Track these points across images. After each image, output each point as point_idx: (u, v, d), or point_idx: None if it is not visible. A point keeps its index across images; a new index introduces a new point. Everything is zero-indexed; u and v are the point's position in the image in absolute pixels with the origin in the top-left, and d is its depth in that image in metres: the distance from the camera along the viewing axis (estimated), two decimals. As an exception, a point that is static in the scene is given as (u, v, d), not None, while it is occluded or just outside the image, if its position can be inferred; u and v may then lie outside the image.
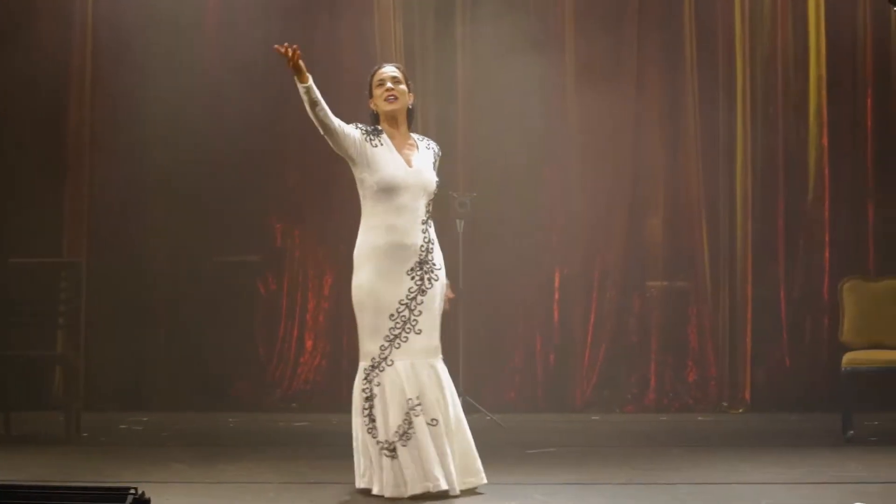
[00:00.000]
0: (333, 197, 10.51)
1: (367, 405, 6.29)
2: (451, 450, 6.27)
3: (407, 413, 6.22)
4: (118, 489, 4.81)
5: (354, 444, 6.41)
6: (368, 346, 6.35)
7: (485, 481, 6.45)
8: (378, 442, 6.26)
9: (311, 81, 6.29)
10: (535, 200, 10.50)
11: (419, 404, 6.24)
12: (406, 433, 6.22)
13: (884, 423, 9.00)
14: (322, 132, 6.42)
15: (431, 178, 6.47)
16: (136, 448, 8.35)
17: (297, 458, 7.84)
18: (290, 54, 6.24)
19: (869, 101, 10.45)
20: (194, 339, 10.47)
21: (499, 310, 10.40)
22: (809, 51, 10.46)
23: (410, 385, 6.24)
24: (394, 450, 6.23)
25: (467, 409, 9.01)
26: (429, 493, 6.19)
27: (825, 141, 10.43)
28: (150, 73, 10.46)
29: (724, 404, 10.32)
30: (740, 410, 10.25)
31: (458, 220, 9.47)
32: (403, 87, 6.55)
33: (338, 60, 10.48)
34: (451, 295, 6.63)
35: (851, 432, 8.42)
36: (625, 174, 10.50)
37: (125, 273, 10.44)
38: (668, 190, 10.52)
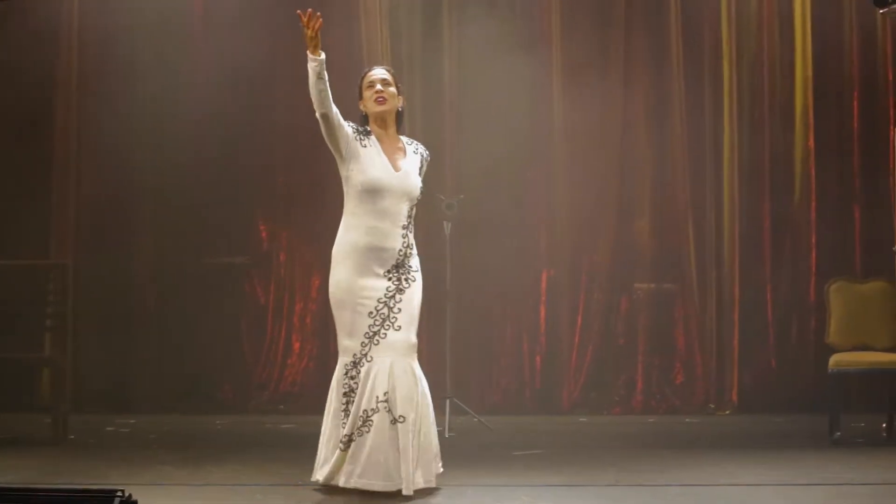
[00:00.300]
0: (320, 199, 10.49)
1: (345, 400, 6.39)
2: (416, 446, 6.31)
3: (367, 410, 6.28)
4: (105, 491, 4.80)
5: (321, 437, 6.49)
6: (348, 343, 6.43)
7: (439, 473, 6.50)
8: (343, 435, 6.35)
9: (323, 56, 6.30)
10: (522, 202, 10.51)
11: (385, 401, 6.28)
12: (363, 427, 6.30)
13: (870, 424, 9.01)
14: (318, 113, 6.42)
15: (416, 184, 6.52)
16: (124, 450, 8.33)
17: (285, 460, 7.83)
18: (310, 23, 6.28)
19: (855, 103, 10.48)
20: (181, 342, 10.45)
21: (486, 311, 10.40)
22: (796, 53, 10.49)
23: (384, 382, 6.29)
24: (349, 443, 6.32)
25: (454, 411, 9.09)
26: (379, 492, 6.27)
27: (811, 143, 10.46)
28: (137, 75, 10.45)
29: (712, 406, 10.34)
30: (727, 412, 10.27)
31: (445, 223, 9.46)
32: (393, 89, 6.60)
33: (327, 60, 10.46)
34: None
35: (838, 434, 8.43)
36: (612, 176, 10.51)
37: (112, 275, 10.41)
38: (655, 192, 10.53)
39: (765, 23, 10.49)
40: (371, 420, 6.28)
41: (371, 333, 6.37)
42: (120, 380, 10.38)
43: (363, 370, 6.35)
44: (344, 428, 6.35)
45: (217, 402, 10.39)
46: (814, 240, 10.43)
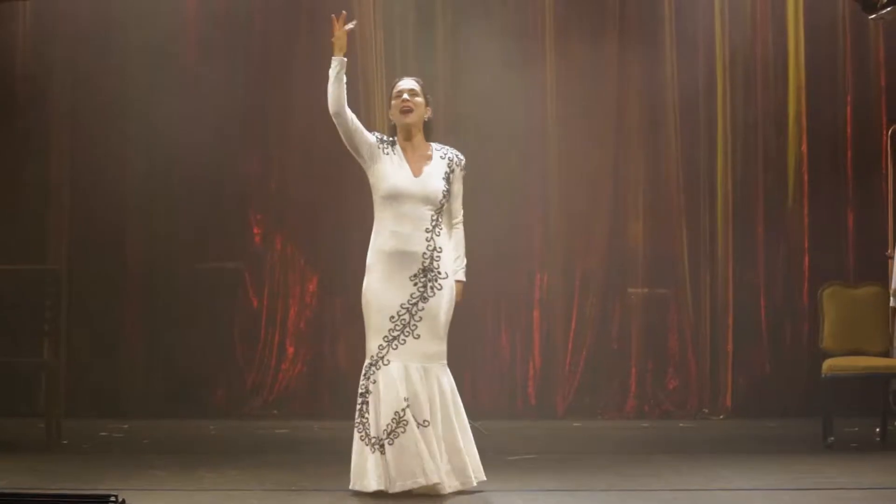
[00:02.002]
0: (314, 203, 10.51)
1: (360, 400, 6.54)
2: (442, 451, 6.48)
3: (397, 412, 6.42)
4: (99, 496, 4.81)
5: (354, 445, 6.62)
6: (369, 345, 6.59)
7: (474, 484, 6.62)
8: (370, 437, 6.46)
9: (346, 59, 6.68)
10: (516, 207, 10.51)
11: (408, 406, 6.43)
12: (394, 432, 6.43)
13: (864, 429, 9.02)
14: (332, 111, 6.71)
15: (437, 188, 6.67)
16: (117, 455, 8.32)
17: (279, 466, 7.83)
18: (340, 24, 6.68)
19: (848, 107, 10.50)
20: (175, 347, 10.44)
21: (480, 316, 10.40)
22: (789, 58, 10.50)
23: (403, 386, 6.45)
24: (382, 446, 6.43)
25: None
26: (412, 491, 6.41)
27: (805, 147, 10.48)
28: (130, 81, 10.45)
29: (705, 410, 10.34)
30: (721, 417, 10.28)
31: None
32: (420, 99, 6.78)
33: (318, 67, 10.48)
34: (459, 299, 6.81)
35: (832, 438, 8.44)
36: (605, 180, 10.52)
37: (106, 280, 10.41)
38: (649, 196, 10.54)
39: (758, 28, 10.50)
40: (405, 420, 6.42)
41: (390, 338, 6.53)
42: (113, 385, 10.37)
43: (379, 373, 6.49)
44: (367, 429, 6.48)
45: (210, 406, 10.38)
46: (807, 244, 10.45)
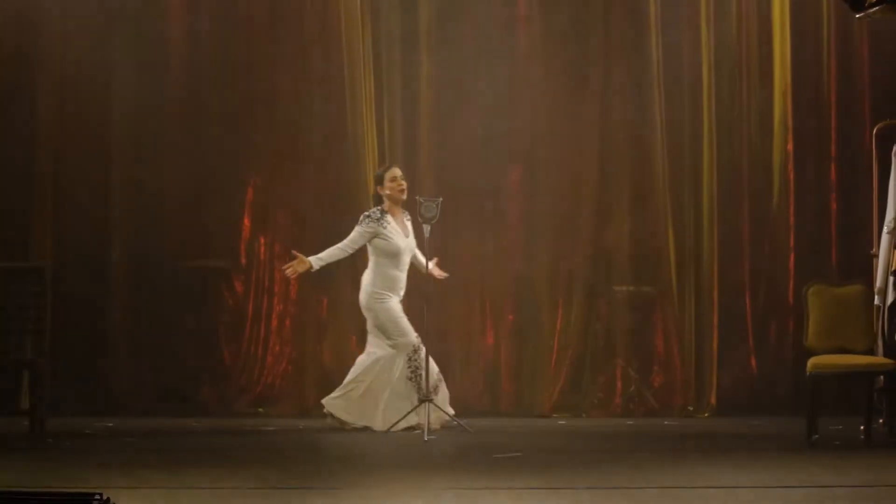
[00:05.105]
0: (300, 202, 10.51)
1: (412, 375, 9.21)
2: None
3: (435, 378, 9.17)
4: (83, 494, 4.79)
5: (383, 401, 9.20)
6: (403, 340, 9.26)
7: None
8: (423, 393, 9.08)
9: (314, 262, 9.19)
10: (501, 205, 10.52)
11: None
12: (437, 387, 9.22)
13: (848, 427, 9.03)
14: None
15: (413, 242, 9.36)
16: (102, 453, 8.30)
17: (263, 463, 7.82)
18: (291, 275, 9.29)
19: (833, 107, 10.53)
20: (160, 345, 10.43)
21: (465, 314, 10.42)
22: (774, 57, 10.53)
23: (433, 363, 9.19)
24: (429, 399, 8.98)
25: (434, 413, 9.08)
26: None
27: (790, 147, 10.50)
28: (116, 78, 10.44)
29: (690, 408, 10.36)
30: (706, 414, 10.29)
31: (424, 225, 9.45)
32: (405, 183, 9.36)
33: (304, 65, 10.50)
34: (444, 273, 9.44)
35: (816, 436, 8.46)
36: (591, 179, 10.53)
37: (91, 278, 10.39)
38: (635, 195, 10.55)
39: (744, 27, 10.52)
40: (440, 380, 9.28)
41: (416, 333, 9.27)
42: (98, 383, 10.35)
43: (421, 353, 9.17)
44: (418, 392, 9.14)
45: (196, 404, 10.37)
46: (792, 243, 10.47)
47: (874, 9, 8.01)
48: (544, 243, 10.49)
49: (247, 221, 10.59)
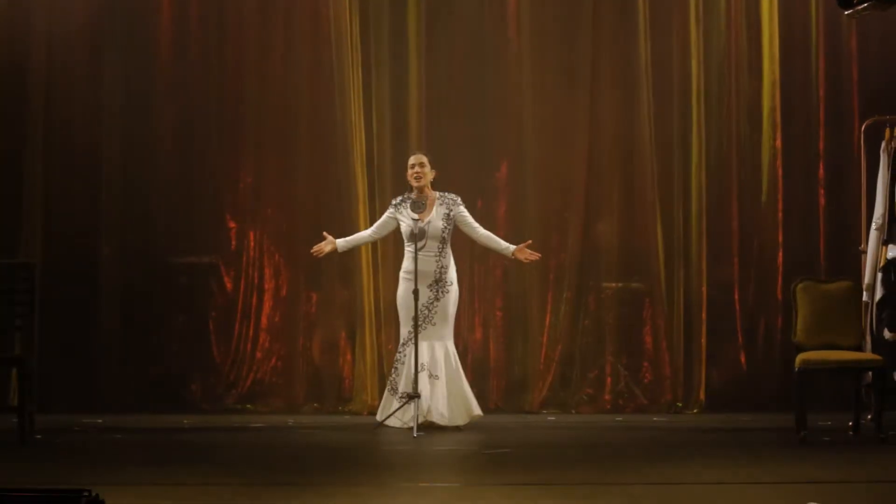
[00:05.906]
0: (290, 198, 10.50)
1: (395, 367, 9.22)
2: (448, 394, 9.08)
3: (415, 373, 8.96)
4: (72, 492, 4.78)
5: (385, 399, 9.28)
6: (403, 331, 9.25)
7: (479, 413, 9.21)
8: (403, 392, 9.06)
9: (340, 244, 9.33)
10: (491, 201, 10.52)
11: (425, 367, 9.06)
12: (414, 385, 8.96)
13: (837, 422, 9.06)
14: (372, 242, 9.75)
15: (437, 227, 9.22)
16: (90, 450, 8.30)
17: (253, 460, 7.82)
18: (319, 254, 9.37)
19: (821, 103, 10.55)
20: (149, 341, 10.43)
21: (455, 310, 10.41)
22: (763, 53, 10.55)
23: (425, 354, 9.08)
24: (408, 398, 8.92)
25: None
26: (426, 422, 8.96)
27: (778, 143, 10.52)
28: (106, 76, 10.42)
29: (679, 405, 10.38)
30: (695, 411, 10.31)
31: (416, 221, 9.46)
32: (427, 168, 9.28)
33: (295, 60, 10.50)
34: (535, 256, 9.35)
35: (805, 432, 8.47)
36: (580, 176, 10.54)
37: (79, 274, 10.38)
38: (624, 191, 10.57)
39: (733, 23, 10.54)
40: (419, 378, 8.97)
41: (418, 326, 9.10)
42: (87, 379, 10.33)
43: (407, 350, 9.07)
44: (397, 386, 9.14)
45: (185, 401, 10.36)
46: (781, 239, 10.50)
47: (863, 5, 8.02)
48: (533, 239, 10.46)
49: (236, 218, 10.58)
